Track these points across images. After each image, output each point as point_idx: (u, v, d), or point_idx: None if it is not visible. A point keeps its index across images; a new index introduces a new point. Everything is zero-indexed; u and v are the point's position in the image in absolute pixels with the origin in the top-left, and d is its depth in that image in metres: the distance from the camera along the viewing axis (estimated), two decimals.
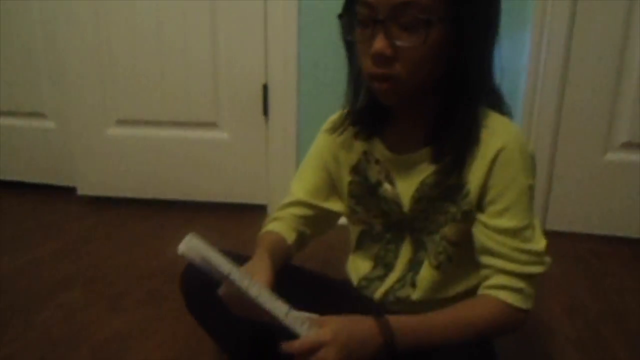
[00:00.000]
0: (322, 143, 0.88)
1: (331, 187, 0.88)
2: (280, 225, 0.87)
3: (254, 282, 0.65)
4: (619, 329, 1.19)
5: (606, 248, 1.64)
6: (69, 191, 2.02)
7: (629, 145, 1.64)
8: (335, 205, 0.88)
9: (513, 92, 1.63)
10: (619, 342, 1.14)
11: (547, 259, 0.74)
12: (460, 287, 0.82)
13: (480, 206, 0.75)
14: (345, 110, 0.82)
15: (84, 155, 1.95)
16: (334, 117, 0.86)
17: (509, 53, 1.60)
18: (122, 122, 1.90)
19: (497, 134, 0.72)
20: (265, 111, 1.81)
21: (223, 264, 0.64)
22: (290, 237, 0.86)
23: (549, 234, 0.75)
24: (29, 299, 1.29)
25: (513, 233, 0.72)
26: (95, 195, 1.99)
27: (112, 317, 1.21)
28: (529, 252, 0.72)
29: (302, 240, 0.89)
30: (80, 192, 2.00)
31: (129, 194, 1.97)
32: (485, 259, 0.75)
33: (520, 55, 1.62)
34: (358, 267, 0.90)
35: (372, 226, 0.86)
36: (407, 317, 0.69)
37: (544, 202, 1.72)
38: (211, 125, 1.86)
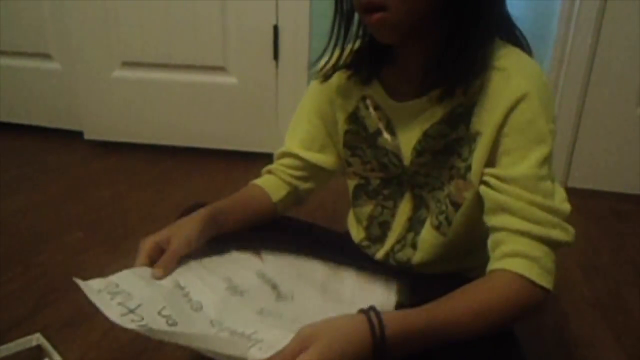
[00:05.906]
0: (316, 90, 0.80)
1: (327, 137, 0.81)
2: (270, 180, 0.82)
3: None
4: None
5: (631, 207, 1.57)
6: (77, 135, 1.98)
7: None
8: (327, 160, 0.81)
9: (543, 38, 1.53)
10: (639, 305, 1.09)
11: (571, 229, 0.62)
12: (463, 252, 0.75)
13: (491, 161, 0.64)
14: (335, 53, 0.71)
15: (89, 99, 1.90)
16: (324, 63, 0.75)
17: None
18: (128, 65, 1.83)
19: (513, 80, 0.62)
20: (276, 54, 1.72)
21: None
22: (277, 193, 0.80)
23: (570, 192, 0.65)
24: (30, 240, 1.28)
25: (530, 181, 0.60)
26: (101, 140, 1.95)
27: (112, 260, 1.19)
28: (548, 209, 0.60)
29: (295, 195, 0.83)
30: (86, 136, 1.96)
31: (136, 139, 1.92)
32: (497, 219, 0.62)
33: None
34: (354, 226, 0.84)
35: (369, 181, 0.79)
36: (405, 311, 0.57)
37: (567, 157, 1.64)
38: (219, 69, 1.79)
